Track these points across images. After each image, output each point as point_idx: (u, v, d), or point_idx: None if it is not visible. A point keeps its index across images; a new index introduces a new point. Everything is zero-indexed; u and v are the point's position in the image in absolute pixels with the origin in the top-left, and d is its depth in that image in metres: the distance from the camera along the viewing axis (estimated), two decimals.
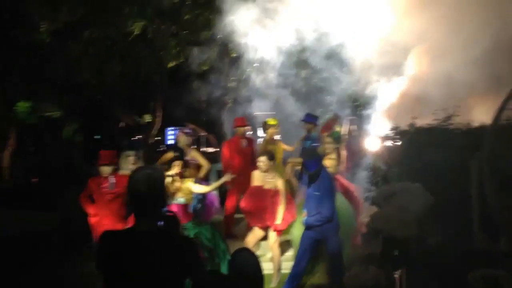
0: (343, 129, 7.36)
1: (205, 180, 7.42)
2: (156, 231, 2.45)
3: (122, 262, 2.39)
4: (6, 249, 7.02)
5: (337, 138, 6.58)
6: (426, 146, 6.37)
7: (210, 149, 17.54)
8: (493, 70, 8.11)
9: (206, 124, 13.77)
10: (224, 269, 5.69)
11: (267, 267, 6.34)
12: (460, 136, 6.43)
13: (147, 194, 2.45)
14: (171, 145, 17.15)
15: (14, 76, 5.62)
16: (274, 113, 12.71)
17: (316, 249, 5.68)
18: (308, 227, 5.46)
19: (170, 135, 17.85)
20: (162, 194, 2.55)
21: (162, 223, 2.51)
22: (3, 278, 6.13)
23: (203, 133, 15.34)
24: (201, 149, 17.06)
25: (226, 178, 6.10)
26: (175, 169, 5.74)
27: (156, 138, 16.57)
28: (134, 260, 2.37)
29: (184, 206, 5.85)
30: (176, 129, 17.74)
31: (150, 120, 14.49)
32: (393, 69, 10.77)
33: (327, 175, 5.43)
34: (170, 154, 6.82)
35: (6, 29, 5.81)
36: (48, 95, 6.50)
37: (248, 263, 3.16)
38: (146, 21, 5.58)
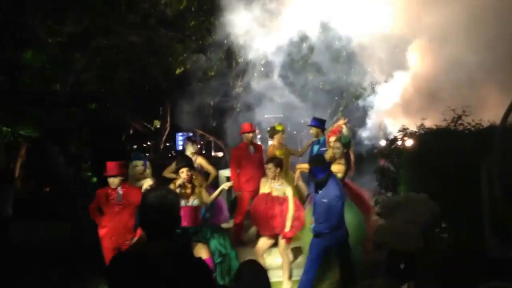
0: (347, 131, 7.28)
1: (212, 187, 7.42)
2: (168, 255, 2.39)
3: (133, 286, 2.35)
4: (20, 259, 7.11)
5: (346, 143, 6.51)
6: (435, 148, 6.31)
7: (220, 154, 17.62)
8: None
9: (215, 129, 13.78)
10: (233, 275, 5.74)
11: (277, 274, 6.31)
12: (469, 137, 6.34)
13: (160, 217, 2.40)
14: (182, 150, 17.25)
15: (20, 88, 5.69)
16: (281, 116, 12.74)
17: (325, 257, 5.62)
18: (316, 234, 5.40)
19: (181, 141, 17.94)
20: (176, 217, 2.50)
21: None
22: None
23: (211, 138, 15.40)
24: (210, 154, 17.22)
25: (224, 186, 6.12)
26: (183, 176, 5.71)
27: (167, 144, 16.68)
28: (145, 284, 2.33)
29: (196, 209, 5.85)
30: (185, 135, 17.85)
31: (159, 126, 14.57)
32: (399, 65, 10.75)
33: (335, 181, 5.36)
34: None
35: (10, 42, 5.87)
36: (55, 108, 6.55)
37: (256, 277, 3.15)
38: (150, 30, 5.57)
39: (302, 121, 12.41)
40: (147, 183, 6.46)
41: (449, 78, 9.62)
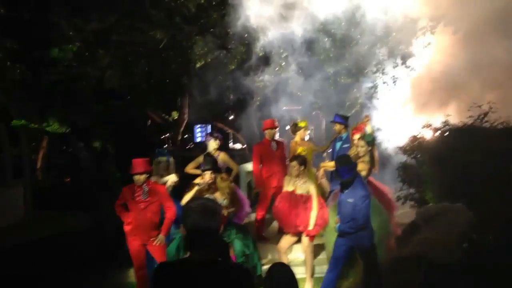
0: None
1: (234, 182, 7.44)
2: (212, 262, 2.44)
3: None
4: (42, 251, 7.21)
5: (370, 141, 6.46)
6: (461, 147, 6.21)
7: (238, 146, 17.65)
8: None
9: (233, 122, 13.79)
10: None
11: (299, 271, 6.32)
12: (497, 135, 6.22)
13: (204, 226, 2.43)
14: (199, 142, 17.31)
15: (47, 86, 5.74)
16: (300, 107, 12.67)
17: (350, 256, 5.61)
18: (341, 234, 5.39)
19: (198, 132, 18.00)
20: (218, 225, 2.52)
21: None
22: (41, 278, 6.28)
23: (230, 131, 15.41)
24: (228, 146, 17.27)
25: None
26: (206, 178, 5.76)
27: (185, 136, 16.73)
28: None
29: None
30: (203, 127, 17.90)
31: (177, 118, 14.61)
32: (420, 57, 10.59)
33: (361, 181, 5.34)
34: (201, 158, 6.84)
35: (36, 43, 5.92)
36: (80, 104, 6.61)
37: (285, 280, 3.18)
38: (173, 28, 5.56)
39: (313, 113, 12.37)
40: (171, 179, 6.50)
41: (473, 73, 9.47)
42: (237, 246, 5.66)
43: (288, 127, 9.07)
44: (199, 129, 17.95)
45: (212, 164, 5.89)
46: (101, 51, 6.23)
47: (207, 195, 5.71)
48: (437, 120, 7.76)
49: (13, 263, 6.63)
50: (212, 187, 5.81)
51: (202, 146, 6.82)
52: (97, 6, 5.61)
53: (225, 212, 5.69)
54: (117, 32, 6.54)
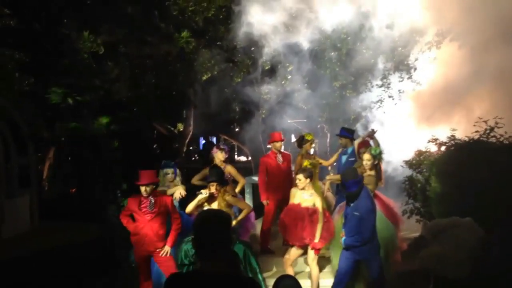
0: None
1: (240, 194, 7.46)
2: (223, 274, 2.42)
3: None
4: (48, 262, 7.19)
5: (376, 155, 6.47)
6: (468, 161, 6.21)
7: (243, 158, 17.68)
8: None
9: (239, 134, 13.82)
10: None
11: (305, 285, 6.29)
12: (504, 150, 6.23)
13: (215, 237, 2.42)
14: (202, 150, 17.33)
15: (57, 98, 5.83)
16: (305, 120, 12.70)
17: (356, 269, 5.60)
18: (347, 247, 5.38)
19: (203, 144, 18.03)
20: (229, 236, 2.52)
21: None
22: None
23: (235, 143, 15.44)
24: (233, 159, 17.31)
25: (245, 213, 6.11)
26: (212, 190, 5.79)
27: (190, 148, 16.77)
28: None
29: None
30: (207, 138, 17.93)
31: (182, 130, 14.66)
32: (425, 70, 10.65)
33: (367, 195, 5.34)
34: (206, 171, 6.87)
35: (45, 54, 6.01)
36: (88, 117, 6.69)
37: None
38: (183, 42, 5.64)
39: (318, 126, 12.42)
40: (178, 190, 6.53)
41: (478, 86, 9.52)
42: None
43: (293, 140, 9.12)
44: (204, 141, 18.00)
45: (218, 176, 5.91)
46: (110, 63, 6.33)
47: (207, 207, 5.76)
48: (443, 134, 7.78)
49: (19, 274, 6.62)
50: (212, 198, 5.83)
51: (211, 165, 6.85)
52: (107, 19, 5.71)
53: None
54: (127, 44, 6.63)
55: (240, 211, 6.27)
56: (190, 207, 5.82)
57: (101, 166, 7.64)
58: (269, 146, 7.81)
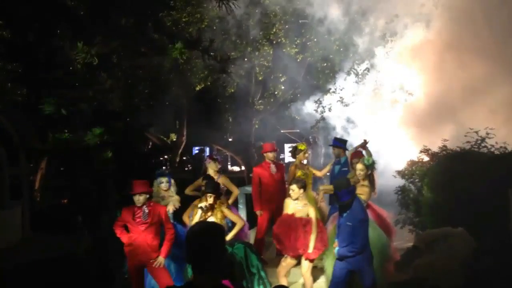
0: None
1: (234, 205, 7.45)
2: (217, 286, 2.41)
3: None
4: (40, 273, 7.13)
5: (369, 165, 6.50)
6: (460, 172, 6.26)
7: (235, 168, 17.68)
8: None
9: (232, 144, 13.84)
10: (256, 284, 5.85)
11: None
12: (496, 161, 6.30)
13: (208, 250, 2.39)
14: (191, 158, 17.29)
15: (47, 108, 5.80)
16: (298, 131, 12.77)
17: (349, 279, 5.60)
18: (340, 257, 5.39)
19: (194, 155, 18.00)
20: (223, 248, 2.50)
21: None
22: None
23: (229, 153, 15.46)
24: (227, 169, 17.31)
25: (238, 228, 6.14)
26: (209, 201, 5.80)
27: (183, 158, 16.75)
28: None
29: None
30: (200, 148, 17.93)
31: (175, 140, 14.67)
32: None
33: (360, 204, 5.36)
34: (199, 182, 6.88)
35: (39, 65, 6.01)
36: (80, 128, 6.69)
37: None
38: (176, 53, 5.67)
39: (310, 137, 12.50)
40: (172, 202, 6.52)
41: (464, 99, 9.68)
42: (234, 257, 5.70)
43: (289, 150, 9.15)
44: (197, 151, 17.98)
45: (214, 189, 5.92)
46: (103, 74, 6.35)
47: (203, 218, 5.76)
48: (435, 144, 7.86)
49: (11, 285, 6.56)
50: (207, 210, 5.84)
51: (204, 176, 6.87)
52: (101, 30, 5.73)
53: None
54: (120, 55, 6.66)
55: (233, 222, 6.27)
56: (186, 218, 5.88)
57: (93, 177, 7.60)
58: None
